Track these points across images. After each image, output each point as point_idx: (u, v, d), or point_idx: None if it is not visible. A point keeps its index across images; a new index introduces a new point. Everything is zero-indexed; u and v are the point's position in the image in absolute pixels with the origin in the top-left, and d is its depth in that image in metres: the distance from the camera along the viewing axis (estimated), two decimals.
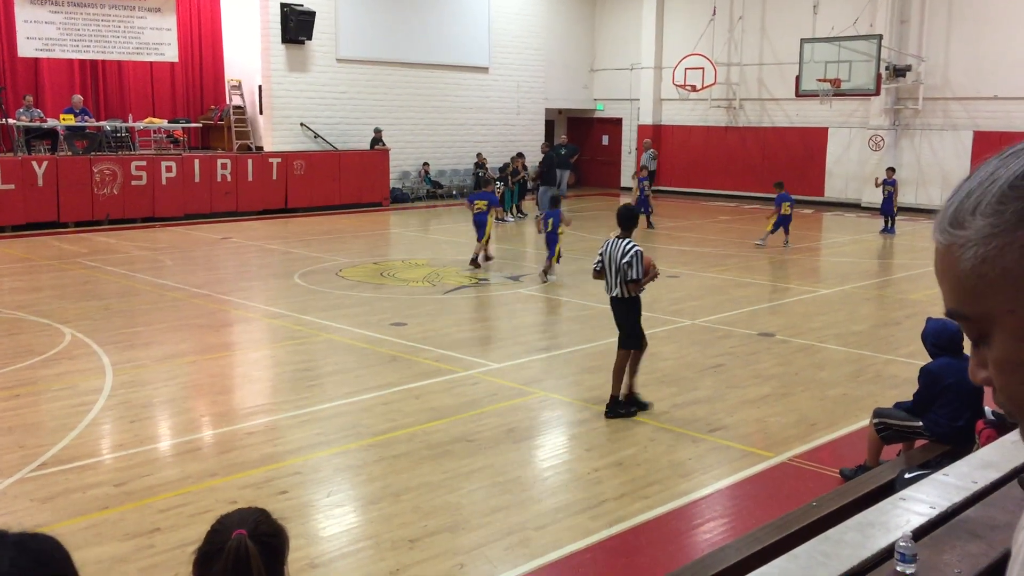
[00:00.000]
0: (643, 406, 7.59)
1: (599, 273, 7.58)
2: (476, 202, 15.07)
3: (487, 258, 15.05)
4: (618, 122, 30.70)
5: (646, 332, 7.70)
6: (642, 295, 7.59)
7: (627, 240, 7.42)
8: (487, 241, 14.88)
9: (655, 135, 29.48)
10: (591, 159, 30.72)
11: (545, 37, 28.61)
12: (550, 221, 13.54)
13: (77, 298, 11.83)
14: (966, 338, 0.97)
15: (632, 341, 7.52)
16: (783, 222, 17.32)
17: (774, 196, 17.91)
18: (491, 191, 15.97)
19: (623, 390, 7.53)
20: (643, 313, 7.69)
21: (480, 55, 26.71)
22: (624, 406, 7.49)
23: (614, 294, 7.50)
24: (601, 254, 7.52)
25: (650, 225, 19.72)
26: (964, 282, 0.90)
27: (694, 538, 5.52)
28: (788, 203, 17.26)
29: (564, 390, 8.33)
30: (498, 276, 14.09)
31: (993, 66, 22.55)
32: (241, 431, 7.05)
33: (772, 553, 3.37)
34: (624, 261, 7.31)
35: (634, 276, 7.30)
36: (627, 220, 7.55)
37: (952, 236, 0.91)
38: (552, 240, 13.41)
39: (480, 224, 14.72)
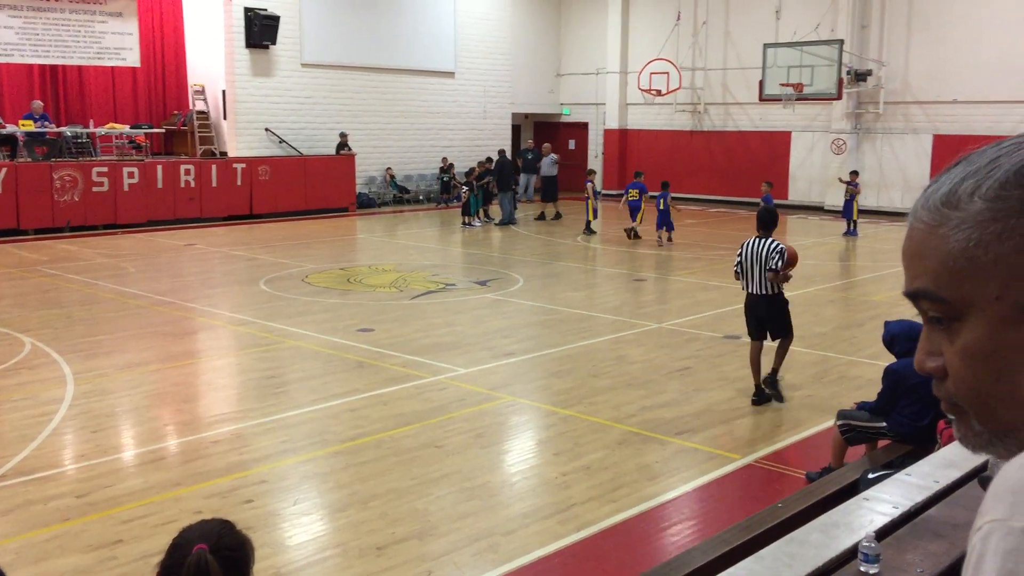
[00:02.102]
0: (780, 398, 7.99)
1: (739, 274, 8.02)
2: (630, 191, 19.13)
3: (637, 235, 18.90)
4: (584, 126, 30.82)
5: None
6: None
7: (771, 239, 7.90)
8: (640, 219, 18.87)
9: (621, 139, 29.61)
10: (558, 163, 30.73)
11: (511, 42, 28.65)
12: (661, 200, 18.25)
13: (37, 306, 11.64)
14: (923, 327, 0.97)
15: (787, 331, 8.12)
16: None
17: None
18: (642, 182, 19.40)
19: (763, 376, 8.07)
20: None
21: (446, 60, 26.69)
22: (772, 387, 8.05)
23: (758, 291, 7.93)
24: (740, 255, 7.94)
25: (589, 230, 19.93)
26: (950, 263, 0.88)
27: (662, 541, 5.54)
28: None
29: (532, 395, 8.33)
30: (465, 281, 14.08)
31: (952, 71, 22.91)
32: (206, 440, 6.97)
33: (739, 555, 3.39)
34: (775, 259, 7.81)
35: (773, 267, 7.80)
36: (768, 221, 8.02)
37: (942, 216, 0.89)
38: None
39: (634, 208, 18.86)
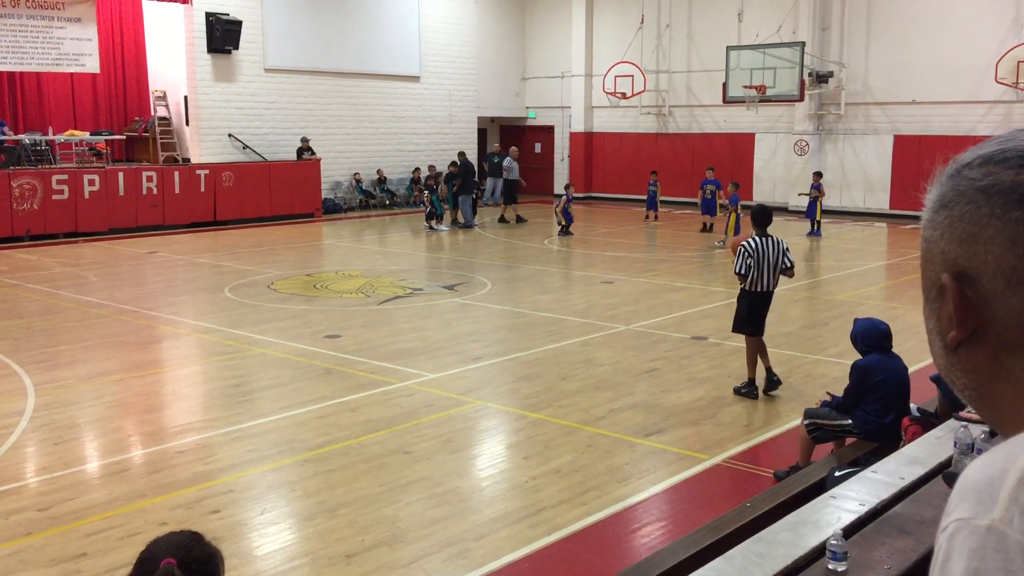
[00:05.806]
0: (774, 384, 8.28)
1: (744, 275, 8.05)
2: (707, 186, 20.77)
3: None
4: (550, 130, 30.86)
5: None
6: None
7: (774, 237, 8.11)
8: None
9: (587, 142, 29.70)
10: (524, 167, 30.63)
11: (476, 46, 28.63)
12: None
13: None
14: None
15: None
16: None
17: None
18: (715, 178, 20.80)
19: (751, 373, 8.29)
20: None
21: (411, 64, 26.62)
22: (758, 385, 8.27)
23: (770, 288, 8.15)
24: (750, 256, 7.97)
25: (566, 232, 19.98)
26: (922, 244, 0.93)
27: (632, 543, 5.55)
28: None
29: (500, 399, 8.32)
30: (433, 286, 14.04)
31: (911, 72, 23.23)
32: (171, 450, 6.88)
33: (708, 555, 3.40)
34: (788, 255, 8.06)
35: (790, 265, 8.10)
36: (765, 220, 8.20)
37: (928, 194, 0.93)
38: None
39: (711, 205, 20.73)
